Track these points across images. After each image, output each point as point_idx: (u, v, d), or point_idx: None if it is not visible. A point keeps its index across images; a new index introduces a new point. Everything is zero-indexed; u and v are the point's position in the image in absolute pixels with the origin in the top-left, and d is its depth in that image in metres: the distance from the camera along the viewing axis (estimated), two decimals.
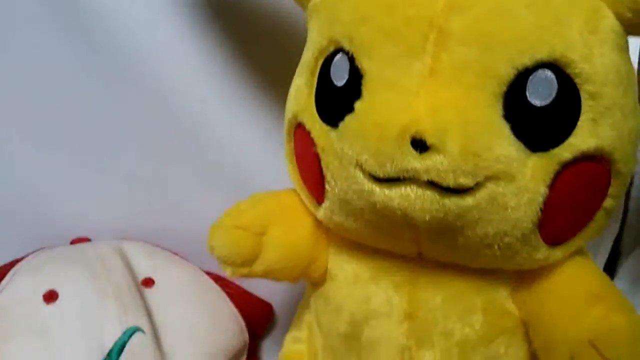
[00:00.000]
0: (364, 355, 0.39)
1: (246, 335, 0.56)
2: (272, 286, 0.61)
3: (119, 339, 0.47)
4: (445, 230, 0.32)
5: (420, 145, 0.30)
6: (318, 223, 0.41)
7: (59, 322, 0.47)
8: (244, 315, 0.56)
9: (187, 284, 0.55)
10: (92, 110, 0.58)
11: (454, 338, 0.37)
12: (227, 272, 0.40)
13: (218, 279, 0.58)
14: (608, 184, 0.34)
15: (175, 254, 0.59)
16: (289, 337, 0.48)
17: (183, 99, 0.59)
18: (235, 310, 0.56)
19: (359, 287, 0.40)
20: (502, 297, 0.37)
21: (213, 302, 0.55)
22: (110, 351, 0.46)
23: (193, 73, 0.58)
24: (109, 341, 0.47)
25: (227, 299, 0.56)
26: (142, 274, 0.53)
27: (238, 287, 0.59)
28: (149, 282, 0.53)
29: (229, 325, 0.55)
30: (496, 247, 0.32)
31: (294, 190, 0.43)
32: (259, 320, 0.59)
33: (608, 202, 0.34)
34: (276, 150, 0.50)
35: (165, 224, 0.61)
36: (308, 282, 0.46)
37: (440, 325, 0.37)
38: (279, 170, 0.44)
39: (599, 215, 0.35)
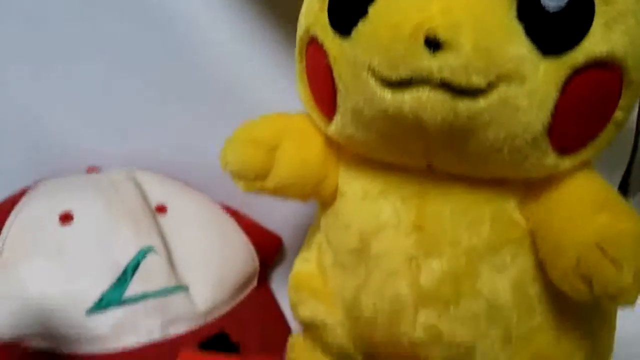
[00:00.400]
0: (372, 268, 0.40)
1: (257, 262, 0.57)
2: (281, 221, 0.63)
3: (133, 258, 0.48)
4: (456, 135, 0.32)
5: (433, 44, 0.30)
6: (329, 141, 0.42)
7: (74, 242, 0.48)
8: (254, 245, 0.57)
9: (199, 211, 0.56)
10: (100, 40, 0.59)
11: (461, 247, 0.37)
12: (240, 187, 0.41)
13: (228, 210, 0.59)
14: (619, 94, 0.34)
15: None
16: (298, 259, 0.48)
17: (190, 30, 0.59)
18: (245, 238, 0.57)
19: (367, 202, 0.40)
20: (510, 207, 0.37)
21: (224, 229, 0.57)
22: (125, 270, 0.48)
23: (205, 7, 0.58)
24: (123, 260, 0.48)
25: (238, 228, 0.57)
26: (155, 201, 0.54)
27: (248, 219, 0.60)
28: (161, 209, 0.54)
29: (240, 251, 0.56)
30: (506, 151, 0.33)
31: (304, 114, 0.43)
32: (269, 250, 0.60)
33: (618, 114, 0.35)
34: (285, 87, 0.51)
35: (174, 157, 0.62)
36: (318, 203, 0.47)
37: (448, 235, 0.37)
38: (287, 104, 0.45)
39: (609, 128, 0.35)
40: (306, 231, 0.52)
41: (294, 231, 0.63)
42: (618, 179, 0.60)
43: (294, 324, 0.53)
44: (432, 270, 0.38)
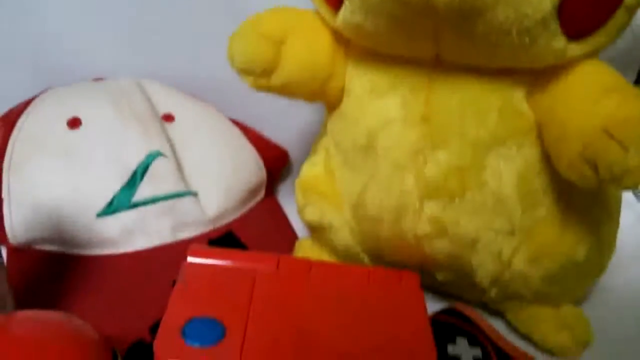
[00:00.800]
0: (379, 163, 0.41)
1: (264, 173, 0.57)
2: (286, 136, 0.63)
3: (142, 161, 0.49)
4: (465, 15, 0.32)
5: None
6: (337, 37, 0.42)
7: (83, 145, 0.49)
8: (261, 156, 0.58)
9: (206, 121, 0.56)
10: None
11: (468, 138, 0.38)
12: (248, 83, 0.41)
13: (235, 123, 0.59)
14: None
15: None
16: (306, 163, 0.49)
17: None
18: (253, 149, 0.57)
19: (375, 97, 0.40)
20: (518, 98, 0.37)
21: (232, 139, 0.57)
22: (134, 173, 0.48)
23: None
24: (133, 164, 0.49)
25: (245, 139, 0.58)
26: (162, 109, 0.54)
27: (254, 131, 0.60)
28: (169, 118, 0.54)
29: (247, 161, 0.56)
30: (515, 33, 0.32)
31: (312, 10, 0.43)
32: (275, 163, 0.60)
33: None
34: None
35: (181, 70, 0.62)
36: (325, 108, 0.47)
37: (455, 126, 0.38)
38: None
39: (620, 13, 0.34)
40: (311, 146, 0.53)
41: (299, 146, 0.63)
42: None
43: (300, 234, 0.54)
44: (439, 162, 0.38)
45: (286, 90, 0.42)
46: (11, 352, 0.28)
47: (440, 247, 0.40)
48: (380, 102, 0.40)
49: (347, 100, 0.42)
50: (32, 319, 0.30)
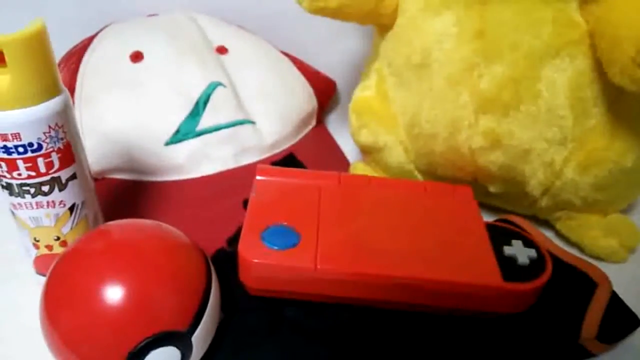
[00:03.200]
0: (434, 80, 0.42)
1: (315, 101, 0.59)
2: (334, 67, 0.64)
3: (203, 92, 0.51)
4: None
5: None
6: None
7: (147, 78, 0.51)
8: (311, 85, 0.60)
9: (258, 52, 0.58)
10: None
11: (522, 50, 0.39)
12: (304, 6, 0.42)
13: (285, 54, 0.61)
14: None
15: None
16: (358, 88, 0.51)
17: None
18: (303, 78, 0.59)
19: (429, 15, 0.42)
20: (571, 9, 0.38)
21: (283, 69, 0.59)
22: (197, 103, 0.51)
23: None
24: (195, 94, 0.51)
25: (296, 69, 0.60)
26: (216, 42, 0.56)
27: (303, 62, 0.62)
28: (222, 50, 0.56)
29: (299, 90, 0.58)
30: None
31: None
32: (324, 91, 0.62)
33: None
34: None
35: (230, 3, 0.63)
36: (376, 31, 0.49)
37: (509, 38, 0.39)
38: None
39: None
40: (357, 78, 0.54)
41: (346, 76, 0.65)
42: None
43: (352, 159, 0.57)
44: (493, 75, 0.40)
45: (341, 12, 0.44)
46: (114, 253, 0.31)
47: (494, 159, 0.42)
48: (434, 20, 0.41)
49: (400, 19, 0.44)
50: (130, 225, 0.34)
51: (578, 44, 0.39)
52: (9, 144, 0.32)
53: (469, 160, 0.44)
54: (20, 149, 0.33)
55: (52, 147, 0.33)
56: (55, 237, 0.37)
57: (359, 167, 0.53)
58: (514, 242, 0.39)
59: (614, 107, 0.41)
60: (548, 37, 0.38)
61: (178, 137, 0.50)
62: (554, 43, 0.38)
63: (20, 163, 0.33)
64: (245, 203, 0.41)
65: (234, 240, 0.41)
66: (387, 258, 0.36)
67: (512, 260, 0.38)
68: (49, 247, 0.37)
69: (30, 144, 0.33)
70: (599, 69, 0.39)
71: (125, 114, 0.50)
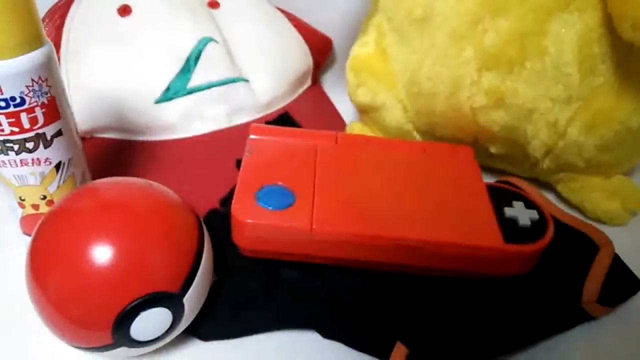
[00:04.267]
0: (437, 34, 0.41)
1: (310, 59, 0.58)
2: (329, 25, 0.62)
3: (194, 48, 0.49)
4: None
5: None
6: None
7: (136, 33, 0.49)
8: (306, 42, 0.58)
9: (252, 7, 0.56)
10: None
11: (529, 3, 0.37)
12: None
13: (280, 11, 0.59)
14: None
15: None
16: (356, 44, 0.49)
17: None
18: (299, 35, 0.57)
19: None
20: None
21: (278, 25, 0.57)
22: (188, 59, 0.49)
23: None
24: (185, 50, 0.49)
25: (291, 26, 0.57)
26: None
27: (298, 19, 0.60)
28: (213, 4, 0.54)
29: (294, 48, 0.56)
30: None
31: None
32: (320, 50, 0.61)
33: None
34: None
35: None
36: None
37: None
38: None
39: None
40: (354, 35, 0.52)
41: (342, 34, 0.63)
42: None
43: (348, 120, 0.55)
44: (499, 30, 0.38)
45: None
46: (102, 211, 0.30)
47: (496, 118, 0.41)
48: None
49: None
50: (120, 183, 0.32)
51: None
52: None
53: (471, 119, 0.42)
54: (2, 103, 0.31)
55: (35, 101, 0.32)
56: (42, 196, 0.35)
57: (355, 127, 0.51)
58: (515, 203, 0.38)
59: (623, 66, 0.39)
60: None
61: (168, 95, 0.48)
62: None
63: (2, 118, 0.31)
64: (239, 163, 0.39)
65: (227, 200, 0.40)
66: (384, 219, 0.35)
67: (513, 221, 0.37)
68: (35, 207, 0.36)
69: (13, 98, 0.31)
70: (609, 24, 0.37)
71: (113, 71, 0.48)
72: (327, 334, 0.35)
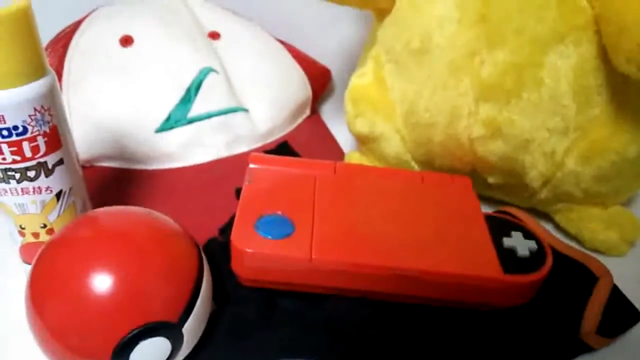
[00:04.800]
0: (435, 66, 0.41)
1: (309, 89, 0.58)
2: (328, 55, 0.63)
3: (195, 78, 0.50)
4: None
5: None
6: None
7: (137, 63, 0.50)
8: (306, 73, 0.58)
9: (252, 38, 0.56)
10: None
11: (526, 35, 0.38)
12: None
13: (279, 41, 0.60)
14: None
15: None
16: (354, 75, 0.49)
17: None
18: (298, 66, 0.58)
19: None
20: None
21: (278, 56, 0.57)
22: (188, 89, 0.50)
23: None
24: (186, 80, 0.50)
25: (290, 57, 0.58)
26: (208, 27, 0.55)
27: (298, 49, 0.61)
28: (214, 35, 0.55)
29: (294, 78, 0.57)
30: None
31: None
32: (319, 79, 0.61)
33: None
34: None
35: None
36: (374, 17, 0.48)
37: (513, 23, 0.38)
38: None
39: None
40: (353, 66, 0.53)
41: (341, 65, 0.64)
42: None
43: (346, 149, 0.56)
44: (496, 62, 0.39)
45: None
46: (102, 240, 0.30)
47: (493, 148, 0.41)
48: (435, 3, 0.40)
49: (400, 3, 0.43)
50: (120, 212, 0.32)
51: (583, 29, 0.38)
52: None
53: (468, 150, 0.43)
54: (4, 132, 0.31)
55: (38, 130, 0.32)
56: (42, 225, 0.35)
57: (354, 156, 0.52)
58: (513, 233, 0.38)
59: (618, 96, 0.40)
60: (553, 22, 0.37)
61: (169, 124, 0.49)
62: (559, 28, 0.37)
63: (4, 147, 0.32)
64: (238, 192, 0.39)
65: (226, 229, 0.40)
66: (383, 249, 0.35)
67: (512, 252, 0.37)
68: (36, 235, 0.36)
69: (15, 127, 0.31)
70: (604, 56, 0.38)
71: (114, 100, 0.49)
72: None
